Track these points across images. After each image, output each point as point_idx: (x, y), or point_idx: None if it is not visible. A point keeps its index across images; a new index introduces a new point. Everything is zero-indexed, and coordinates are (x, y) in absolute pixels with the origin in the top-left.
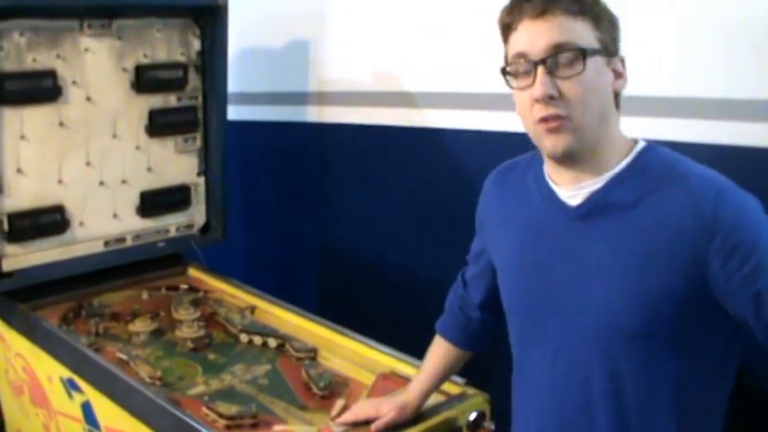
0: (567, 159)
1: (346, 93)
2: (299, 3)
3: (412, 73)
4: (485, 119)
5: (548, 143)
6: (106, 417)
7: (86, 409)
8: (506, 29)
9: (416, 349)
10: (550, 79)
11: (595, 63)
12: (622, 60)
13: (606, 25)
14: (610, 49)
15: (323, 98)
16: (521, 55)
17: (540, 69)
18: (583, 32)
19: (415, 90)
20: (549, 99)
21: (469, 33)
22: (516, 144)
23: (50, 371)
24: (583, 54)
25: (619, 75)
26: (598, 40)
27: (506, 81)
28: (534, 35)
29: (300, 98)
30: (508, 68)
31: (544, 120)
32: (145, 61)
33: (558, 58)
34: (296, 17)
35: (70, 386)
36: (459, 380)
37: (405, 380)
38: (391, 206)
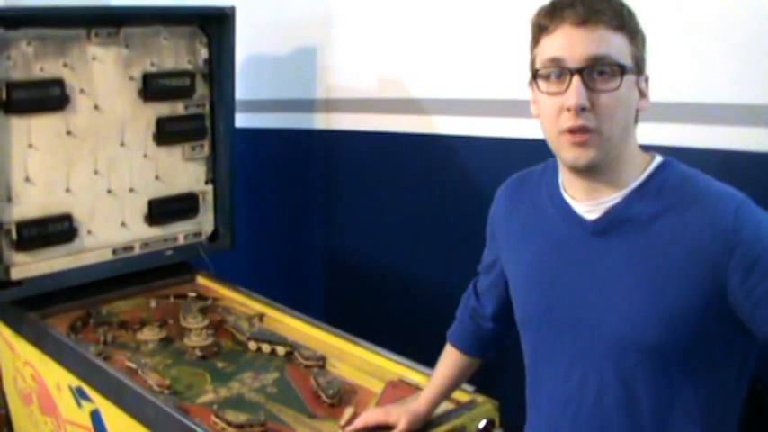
0: (587, 172)
1: (353, 100)
2: (305, 10)
3: (418, 80)
4: (492, 126)
5: (570, 154)
6: (115, 425)
7: (95, 417)
8: (541, 30)
9: (425, 357)
10: (585, 90)
11: (628, 80)
12: (647, 79)
13: (639, 42)
14: (640, 66)
15: (330, 105)
16: (556, 60)
17: (577, 79)
18: (621, 47)
19: (422, 97)
20: (581, 110)
21: (476, 40)
22: (524, 151)
23: (59, 379)
24: (621, 70)
25: (643, 94)
26: (632, 56)
27: (535, 83)
28: (574, 43)
29: (307, 105)
30: (540, 71)
31: (570, 131)
32: (152, 69)
33: (595, 71)
34: (303, 25)
35: (79, 394)
36: (469, 387)
37: (413, 387)
38: (399, 213)
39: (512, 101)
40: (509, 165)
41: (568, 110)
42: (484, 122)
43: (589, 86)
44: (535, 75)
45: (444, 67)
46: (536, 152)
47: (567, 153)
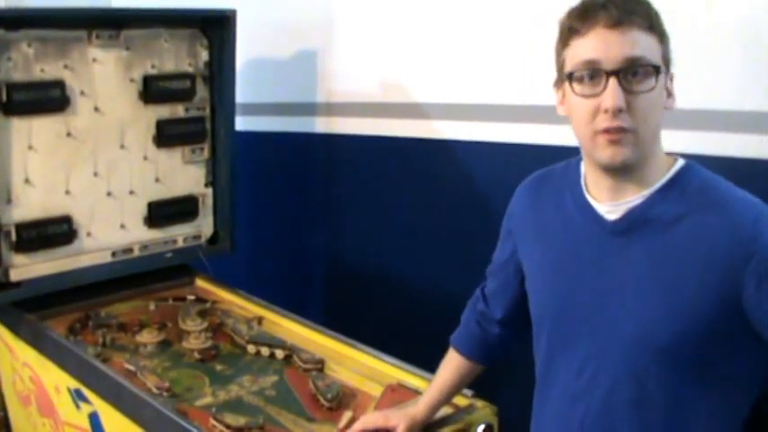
0: (620, 171)
1: (354, 103)
2: (307, 13)
3: (420, 84)
4: (494, 130)
5: (606, 153)
6: (113, 427)
7: (93, 419)
8: (572, 32)
9: (424, 361)
10: (622, 92)
11: (660, 80)
12: (672, 78)
13: (666, 42)
14: (668, 66)
15: (331, 109)
16: (591, 62)
17: (613, 81)
18: (653, 48)
19: (424, 101)
20: (618, 111)
21: (478, 44)
22: (526, 156)
23: (58, 381)
24: (656, 71)
25: (669, 93)
26: (662, 57)
27: (569, 85)
28: (609, 45)
29: (308, 109)
30: (575, 73)
31: (607, 131)
32: (153, 72)
33: (631, 72)
34: (304, 28)
35: (77, 396)
36: (468, 392)
37: (412, 392)
38: (399, 217)
39: (514, 106)
40: (511, 170)
41: (605, 111)
42: (486, 127)
43: (625, 88)
44: (570, 77)
45: (446, 71)
46: (538, 157)
47: (602, 152)
